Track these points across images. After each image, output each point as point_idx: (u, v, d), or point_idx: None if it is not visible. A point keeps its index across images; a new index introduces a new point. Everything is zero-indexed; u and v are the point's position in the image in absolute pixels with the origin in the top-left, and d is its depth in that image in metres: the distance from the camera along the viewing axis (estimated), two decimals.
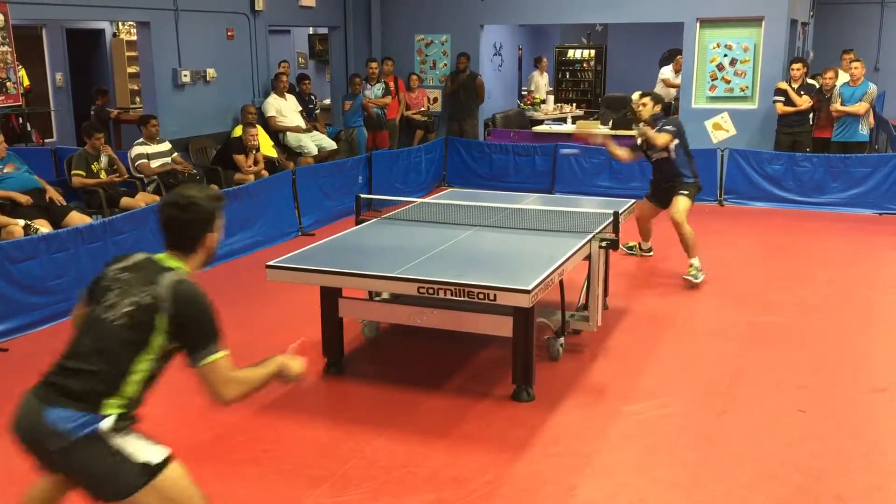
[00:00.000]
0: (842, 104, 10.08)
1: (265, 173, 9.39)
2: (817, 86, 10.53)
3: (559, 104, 15.50)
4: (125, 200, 8.06)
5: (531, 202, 6.81)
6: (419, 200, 6.90)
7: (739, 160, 10.46)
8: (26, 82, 11.74)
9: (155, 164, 8.67)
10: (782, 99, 10.42)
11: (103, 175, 8.15)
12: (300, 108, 11.08)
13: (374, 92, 11.82)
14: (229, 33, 10.73)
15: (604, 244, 5.53)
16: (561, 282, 5.11)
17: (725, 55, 11.43)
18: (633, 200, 6.73)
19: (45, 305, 6.17)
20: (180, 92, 10.10)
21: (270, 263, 5.02)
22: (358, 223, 6.05)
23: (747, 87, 11.40)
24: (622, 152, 7.44)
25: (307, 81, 11.87)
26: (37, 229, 6.84)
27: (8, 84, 8.53)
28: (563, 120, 13.25)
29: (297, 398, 5.00)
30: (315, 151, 10.83)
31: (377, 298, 5.71)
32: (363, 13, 13.12)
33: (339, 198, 9.62)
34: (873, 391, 5.06)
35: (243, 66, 11.00)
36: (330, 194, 9.61)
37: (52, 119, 13.22)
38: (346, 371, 5.34)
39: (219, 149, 9.95)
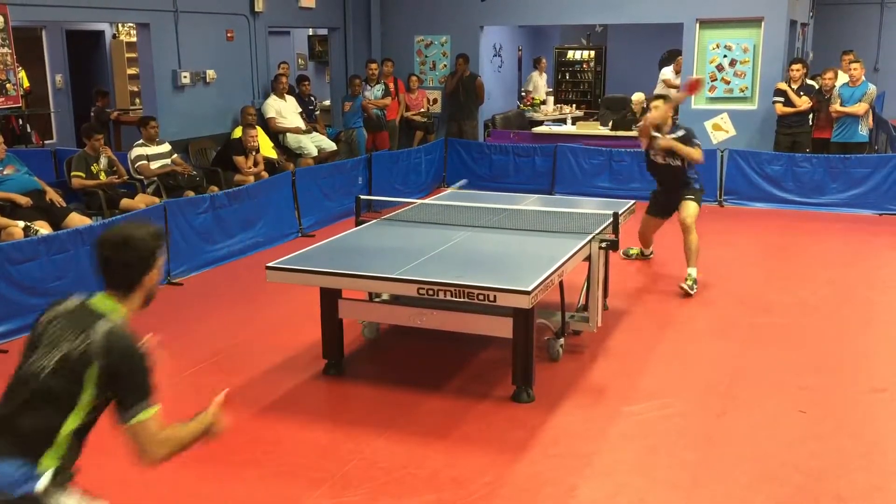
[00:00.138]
0: (841, 105, 10.09)
1: (265, 174, 9.39)
2: (817, 86, 10.53)
3: (559, 105, 15.51)
4: (125, 202, 8.06)
5: (531, 203, 6.81)
6: (419, 201, 6.90)
7: (739, 161, 10.46)
8: (26, 84, 11.74)
9: (155, 165, 8.67)
10: (782, 100, 10.42)
11: (103, 176, 8.15)
12: (300, 110, 11.08)
13: (373, 93, 11.82)
14: (229, 34, 10.73)
15: (604, 245, 5.53)
16: (561, 283, 5.11)
17: (725, 56, 11.43)
18: (633, 201, 6.72)
19: (45, 307, 6.15)
20: (180, 93, 10.11)
21: (270, 265, 5.03)
22: (358, 224, 6.05)
23: (747, 87, 11.40)
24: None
25: (307, 82, 11.87)
26: (37, 231, 6.84)
27: (8, 86, 8.53)
28: (563, 121, 13.25)
29: (297, 399, 5.01)
30: (315, 152, 10.83)
31: (377, 299, 5.71)
32: (363, 14, 13.12)
33: (338, 199, 9.62)
34: (873, 391, 5.06)
35: (243, 67, 11.00)
36: (330, 195, 9.61)
37: (52, 120, 13.23)
38: (345, 372, 5.34)
39: (218, 150, 9.95)
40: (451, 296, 4.50)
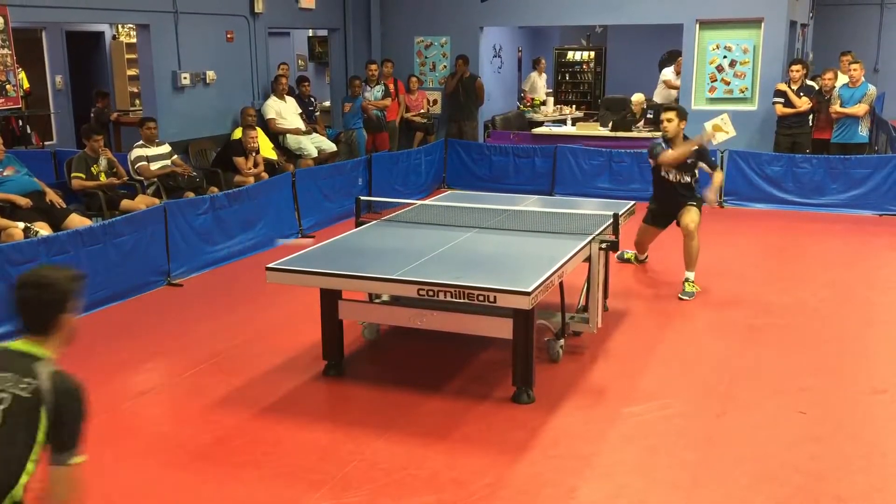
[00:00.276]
0: (841, 106, 10.09)
1: (265, 175, 9.39)
2: (817, 87, 10.53)
3: (559, 106, 15.50)
4: (125, 203, 8.06)
5: (531, 204, 6.81)
6: (419, 202, 6.90)
7: (739, 161, 10.46)
8: (26, 85, 11.74)
9: (154, 166, 8.67)
10: (782, 100, 10.43)
11: (103, 178, 8.14)
12: (300, 111, 11.08)
13: (373, 94, 11.82)
14: (229, 35, 10.73)
15: (604, 246, 5.53)
16: (561, 284, 5.11)
17: (725, 56, 11.44)
18: (633, 202, 6.72)
19: None
20: (180, 94, 10.11)
21: (270, 265, 5.03)
22: (358, 225, 6.06)
23: (747, 88, 11.41)
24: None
25: (307, 83, 11.87)
26: (36, 232, 6.83)
27: (8, 87, 8.53)
28: (563, 122, 13.25)
29: (297, 400, 5.01)
30: (315, 153, 10.83)
31: (377, 300, 5.71)
32: (363, 15, 13.13)
33: (338, 200, 9.62)
34: (873, 392, 5.06)
35: (243, 68, 11.00)
36: (330, 196, 9.61)
37: (52, 121, 13.23)
38: (346, 373, 5.34)
39: (218, 151, 9.95)
40: (451, 297, 4.50)
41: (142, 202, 8.10)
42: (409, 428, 4.60)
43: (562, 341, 5.51)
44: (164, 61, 9.87)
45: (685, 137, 7.00)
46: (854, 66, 10.21)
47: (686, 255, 6.95)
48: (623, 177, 10.73)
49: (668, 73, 12.98)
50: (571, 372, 5.35)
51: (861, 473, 4.11)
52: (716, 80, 11.53)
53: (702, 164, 7.03)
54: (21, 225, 6.86)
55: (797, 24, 12.43)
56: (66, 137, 13.16)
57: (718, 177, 7.17)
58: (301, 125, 10.92)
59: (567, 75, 18.17)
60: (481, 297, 4.44)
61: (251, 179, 9.17)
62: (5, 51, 8.39)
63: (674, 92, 12.38)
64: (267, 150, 10.05)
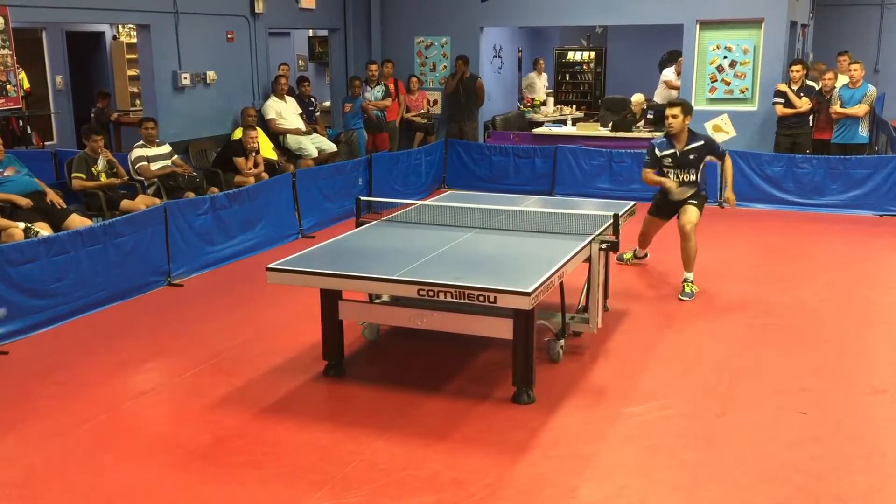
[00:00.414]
0: (841, 106, 10.09)
1: (265, 175, 9.39)
2: (817, 87, 10.54)
3: (559, 106, 15.51)
4: (125, 203, 8.06)
5: (531, 204, 6.81)
6: (419, 203, 6.90)
7: (739, 162, 10.44)
8: (26, 85, 11.75)
9: (155, 166, 8.67)
10: (782, 101, 10.43)
11: (103, 178, 8.15)
12: (300, 111, 11.09)
13: (373, 94, 11.83)
14: (229, 36, 10.74)
15: (604, 246, 5.53)
16: (561, 284, 5.11)
17: (725, 57, 11.45)
18: (633, 202, 6.72)
19: (45, 308, 6.18)
20: (180, 94, 10.11)
21: (270, 266, 5.03)
22: (358, 225, 6.06)
23: (747, 88, 11.41)
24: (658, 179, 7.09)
25: (307, 84, 11.88)
26: (37, 232, 6.84)
27: (8, 87, 8.54)
28: (563, 122, 13.25)
29: (297, 401, 5.01)
30: (315, 154, 10.84)
31: (377, 301, 5.71)
32: (363, 15, 13.13)
33: (339, 200, 9.63)
34: (873, 393, 5.06)
35: (243, 68, 11.01)
36: (330, 196, 9.61)
37: (53, 122, 13.23)
38: (346, 373, 5.34)
39: (219, 151, 9.96)
40: (452, 297, 4.50)
41: (142, 202, 8.11)
42: (409, 428, 4.60)
43: (562, 341, 5.51)
44: (165, 61, 9.88)
45: (690, 132, 6.97)
46: (854, 66, 10.21)
47: (683, 256, 6.94)
48: (623, 177, 10.73)
49: (668, 73, 12.99)
50: (572, 372, 5.35)
51: (861, 473, 4.11)
52: (716, 81, 11.54)
53: (710, 158, 7.02)
54: (21, 225, 6.87)
55: (797, 24, 12.43)
56: (66, 138, 13.16)
57: (728, 168, 7.13)
58: (301, 125, 10.92)
59: (567, 76, 18.18)
60: (481, 298, 4.44)
61: (251, 180, 9.17)
62: (6, 51, 8.40)
63: (674, 92, 12.39)
64: (267, 150, 10.06)
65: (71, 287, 6.38)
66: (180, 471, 4.17)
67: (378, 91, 11.87)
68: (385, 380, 5.32)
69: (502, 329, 4.84)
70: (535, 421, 4.66)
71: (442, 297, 4.52)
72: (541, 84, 14.99)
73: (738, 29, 11.41)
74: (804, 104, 10.32)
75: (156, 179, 8.66)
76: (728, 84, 11.48)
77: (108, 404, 4.92)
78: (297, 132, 10.81)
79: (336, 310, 5.23)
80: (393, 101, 12.11)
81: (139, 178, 8.63)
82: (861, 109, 10.01)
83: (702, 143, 6.94)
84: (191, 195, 8.40)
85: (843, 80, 10.57)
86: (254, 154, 9.51)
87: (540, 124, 13.35)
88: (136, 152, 8.69)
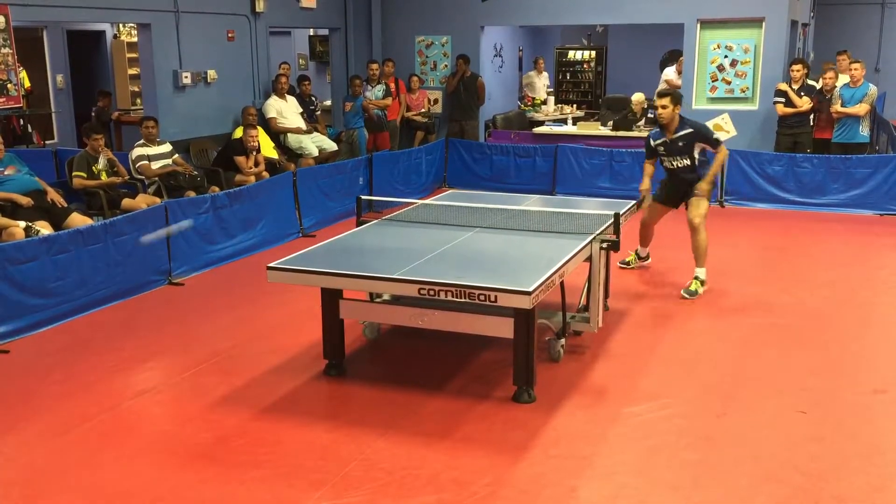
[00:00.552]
0: (842, 105, 10.09)
1: (266, 174, 9.39)
2: (818, 87, 10.53)
3: (559, 105, 15.50)
4: (126, 202, 8.07)
5: (532, 203, 6.81)
6: (420, 202, 6.90)
7: (740, 161, 10.46)
8: (27, 84, 11.75)
9: (156, 165, 8.67)
10: (783, 100, 10.43)
11: (104, 177, 8.15)
12: (301, 110, 11.09)
13: (374, 93, 11.82)
14: (230, 35, 10.74)
15: (605, 245, 5.53)
16: (562, 283, 5.11)
17: (726, 56, 11.44)
18: (633, 202, 6.73)
19: (46, 307, 6.18)
20: (181, 93, 10.11)
21: (271, 265, 5.03)
22: (359, 224, 6.06)
23: (748, 88, 11.41)
24: (647, 179, 7.14)
25: (307, 83, 11.88)
26: (38, 231, 6.84)
27: (9, 86, 8.54)
28: (564, 121, 13.25)
29: (298, 400, 5.01)
30: (316, 153, 10.84)
31: (378, 300, 5.71)
32: (364, 15, 13.13)
33: (339, 199, 9.63)
34: (874, 392, 5.06)
35: (244, 67, 11.01)
36: (331, 195, 9.61)
37: (53, 121, 13.24)
38: (346, 373, 5.34)
39: (219, 150, 9.96)
40: (452, 296, 4.50)
41: (143, 201, 8.11)
42: (409, 427, 4.60)
43: (563, 341, 5.51)
44: (166, 60, 9.88)
45: (681, 120, 6.94)
46: (855, 65, 10.20)
47: (694, 250, 6.89)
48: (624, 176, 10.73)
49: (669, 72, 12.98)
50: (572, 371, 5.35)
51: (861, 473, 4.11)
52: (717, 80, 11.53)
53: (704, 146, 6.93)
54: (22, 224, 6.87)
55: (798, 23, 12.42)
56: (67, 136, 13.17)
57: (719, 158, 6.90)
58: (302, 124, 10.92)
59: (568, 75, 18.18)
60: (482, 297, 4.44)
61: (252, 179, 9.17)
62: (6, 50, 8.40)
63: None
64: (268, 149, 10.06)
65: (72, 286, 6.38)
66: (181, 470, 4.18)
67: (379, 90, 11.86)
68: (386, 379, 5.32)
69: (503, 328, 4.84)
70: (535, 420, 4.66)
71: (443, 296, 4.52)
72: (541, 83, 14.98)
73: (738, 28, 11.40)
74: (805, 103, 10.32)
75: (156, 178, 8.65)
76: (729, 83, 11.48)
77: (108, 403, 4.92)
78: (297, 131, 10.81)
79: (337, 309, 5.23)
80: (394, 100, 12.10)
81: (140, 176, 8.63)
82: (862, 109, 10.01)
83: (690, 130, 6.90)
84: (191, 194, 8.40)
85: (843, 79, 10.57)
86: (254, 153, 9.51)
87: (541, 123, 13.34)
88: (137, 151, 8.69)
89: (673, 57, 13.62)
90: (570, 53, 18.23)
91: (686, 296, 6.79)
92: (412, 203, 6.83)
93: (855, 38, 16.15)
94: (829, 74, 10.48)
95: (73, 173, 8.04)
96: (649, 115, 11.86)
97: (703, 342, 5.96)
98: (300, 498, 3.90)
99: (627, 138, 11.53)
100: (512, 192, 9.14)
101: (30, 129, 11.30)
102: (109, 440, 4.50)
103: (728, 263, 7.82)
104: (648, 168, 7.21)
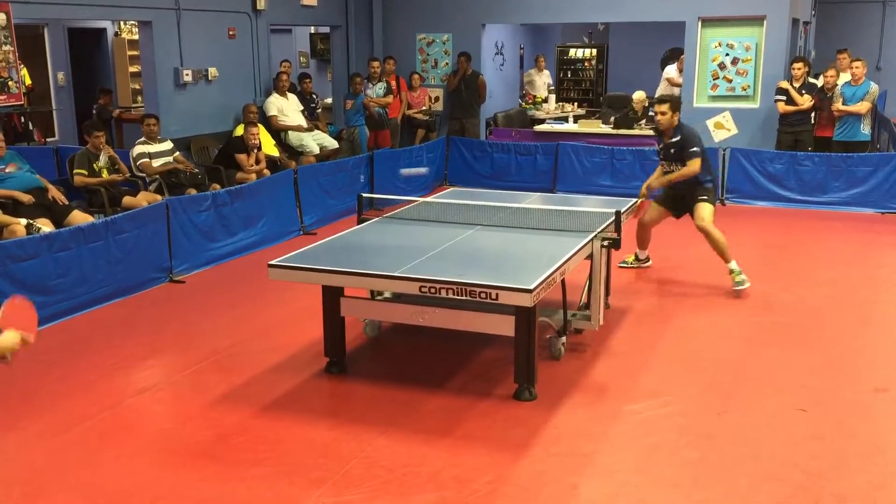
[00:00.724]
0: (843, 103, 10.08)
1: (267, 172, 9.39)
2: (819, 85, 10.52)
3: (560, 103, 15.49)
4: (127, 199, 8.06)
5: (533, 201, 6.81)
6: (421, 199, 6.90)
7: (741, 159, 10.45)
8: (28, 81, 11.75)
9: (157, 163, 8.67)
10: (784, 98, 10.42)
11: (105, 174, 8.15)
12: (302, 108, 11.08)
13: (375, 91, 11.82)
14: (231, 32, 10.73)
15: (606, 243, 5.53)
16: (563, 281, 5.11)
17: (727, 54, 11.42)
18: (634, 199, 6.72)
19: (47, 305, 6.17)
20: (182, 91, 10.11)
21: (272, 262, 5.02)
22: (360, 222, 6.05)
23: (749, 86, 11.39)
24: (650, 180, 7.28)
25: (308, 80, 11.88)
26: (39, 228, 6.84)
27: (10, 83, 8.54)
28: (565, 119, 13.24)
29: (299, 398, 5.01)
30: (317, 150, 10.84)
31: (379, 297, 5.71)
32: (365, 12, 13.12)
33: (340, 197, 9.63)
34: (875, 391, 5.06)
35: (245, 65, 11.00)
36: (332, 193, 9.61)
37: (54, 118, 13.24)
38: (347, 371, 5.34)
39: (220, 148, 9.95)
40: (453, 294, 4.50)
41: (144, 199, 8.10)
42: (410, 425, 4.60)
43: (563, 339, 5.51)
44: (167, 58, 9.87)
45: (679, 126, 6.98)
46: (856, 63, 10.19)
47: (715, 250, 6.93)
48: (625, 174, 10.73)
49: (671, 70, 12.97)
50: (573, 369, 5.35)
51: (862, 472, 4.11)
52: (718, 78, 11.52)
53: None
54: (23, 221, 6.87)
55: (799, 21, 12.40)
56: (67, 134, 13.17)
57: (686, 169, 6.89)
58: (303, 122, 10.92)
59: (569, 73, 18.16)
60: (483, 295, 4.44)
61: (253, 176, 9.17)
62: (7, 47, 8.39)
63: (677, 90, 12.36)
64: (269, 146, 10.05)
65: (72, 283, 6.38)
66: (181, 468, 4.18)
67: (380, 88, 11.85)
68: (386, 377, 5.32)
69: (504, 326, 4.84)
70: (536, 418, 4.66)
71: (444, 293, 4.52)
72: (541, 81, 14.96)
73: (740, 26, 11.39)
74: (806, 102, 10.31)
75: (157, 176, 8.65)
76: (730, 81, 11.47)
77: (109, 401, 4.92)
78: (298, 129, 10.80)
79: (338, 306, 5.23)
80: (395, 97, 12.10)
81: (141, 174, 8.63)
82: (863, 107, 10.00)
83: (679, 137, 6.95)
84: (192, 192, 8.40)
85: (844, 77, 10.56)
86: (255, 151, 9.50)
87: (542, 121, 13.33)
88: (138, 149, 8.69)
89: (674, 55, 13.60)
90: (572, 51, 18.21)
91: (738, 288, 6.78)
92: (413, 201, 6.83)
93: (856, 37, 16.11)
94: (830, 72, 10.48)
95: (74, 171, 8.04)
96: (650, 114, 11.85)
97: (704, 340, 5.95)
98: (301, 496, 3.90)
99: (628, 136, 11.53)
100: (513, 189, 9.12)
101: (31, 127, 11.32)
102: (110, 438, 4.50)
103: None
104: (658, 170, 7.29)
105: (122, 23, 13.93)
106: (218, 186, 8.80)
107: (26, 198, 7.23)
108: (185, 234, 7.54)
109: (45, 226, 6.97)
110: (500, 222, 6.03)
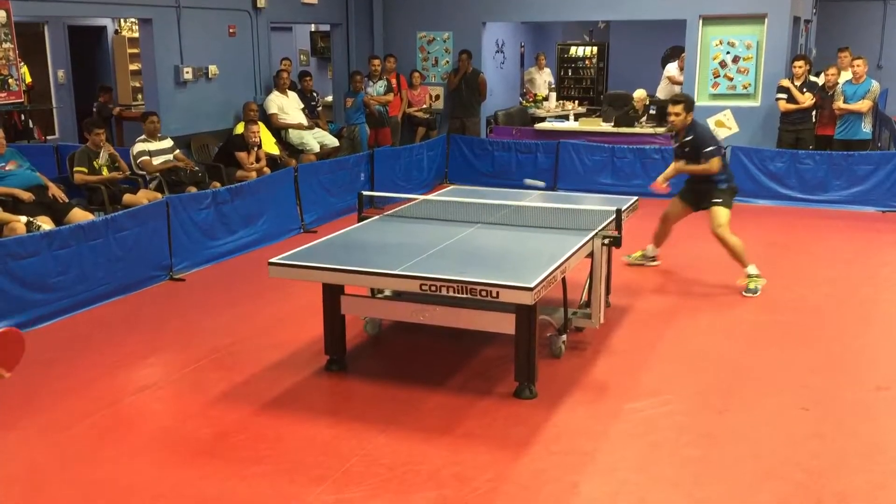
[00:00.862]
0: (844, 102, 10.07)
1: (267, 170, 9.38)
2: (820, 83, 10.51)
3: (561, 101, 15.47)
4: (127, 197, 8.06)
5: (533, 199, 6.80)
6: (421, 197, 6.90)
7: (742, 158, 10.44)
8: (28, 79, 11.74)
9: (157, 161, 8.66)
10: (785, 96, 10.41)
11: (105, 172, 8.14)
12: (302, 106, 11.08)
13: (376, 89, 11.81)
14: (231, 30, 10.72)
15: (606, 242, 5.52)
16: (563, 279, 5.10)
17: (728, 52, 11.42)
18: (635, 198, 6.72)
19: (47, 302, 6.18)
20: (182, 89, 10.10)
21: (273, 260, 5.02)
22: (360, 220, 6.05)
23: (750, 84, 11.38)
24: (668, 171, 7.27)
25: (309, 78, 11.87)
26: (39, 226, 6.83)
27: (10, 81, 8.53)
28: (565, 117, 13.23)
29: (299, 396, 5.01)
30: (317, 148, 10.83)
31: (379, 295, 5.71)
32: (365, 10, 13.11)
33: (341, 195, 9.62)
34: (876, 389, 5.05)
35: (245, 63, 11.00)
36: (332, 191, 9.61)
37: (55, 116, 13.22)
38: (348, 369, 5.34)
39: (221, 146, 9.94)
40: (454, 292, 4.49)
41: (144, 197, 8.10)
42: (411, 423, 4.60)
43: (564, 337, 5.51)
44: (167, 56, 9.86)
45: (692, 124, 6.96)
46: (857, 61, 10.18)
47: (731, 256, 6.90)
48: (625, 173, 10.72)
49: (671, 68, 12.97)
50: (574, 368, 5.34)
51: (863, 471, 4.10)
52: (719, 76, 11.51)
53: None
54: (23, 219, 6.87)
55: (800, 19, 12.39)
56: (68, 132, 13.15)
57: (701, 166, 6.88)
58: (303, 120, 10.91)
59: (570, 71, 18.13)
60: (484, 293, 4.43)
61: (253, 174, 9.16)
62: (8, 45, 8.39)
63: (677, 88, 12.36)
64: (269, 144, 10.05)
65: (73, 281, 6.38)
66: (182, 466, 4.17)
67: (380, 86, 11.84)
68: (387, 375, 5.32)
69: (504, 324, 4.84)
70: (536, 416, 4.65)
71: (444, 291, 4.52)
72: (541, 80, 14.96)
73: (741, 24, 11.38)
74: (807, 100, 10.30)
75: (158, 174, 8.65)
76: (731, 80, 11.46)
77: (109, 399, 4.92)
78: (299, 127, 10.80)
79: (338, 304, 5.23)
80: (395, 96, 12.09)
81: (141, 172, 8.63)
82: (864, 105, 9.99)
83: (692, 137, 6.92)
84: (193, 190, 8.40)
85: (845, 75, 10.55)
86: (256, 149, 9.50)
87: (542, 119, 13.32)
88: (138, 146, 8.68)
89: (675, 53, 13.59)
90: (572, 50, 18.19)
91: (751, 294, 6.75)
92: (414, 199, 6.82)
93: (857, 35, 16.08)
94: (832, 71, 10.46)
95: (75, 168, 8.04)
96: (651, 112, 11.85)
97: (705, 339, 5.95)
98: (301, 493, 3.90)
99: (629, 135, 11.52)
100: (513, 188, 9.11)
101: (31, 125, 11.30)
102: (110, 436, 4.50)
103: (729, 260, 7.79)
104: (672, 166, 7.29)
105: (122, 20, 13.92)
106: (218, 184, 8.80)
107: (26, 195, 7.23)
108: (186, 232, 7.53)
109: (46, 223, 6.97)
110: (500, 220, 6.02)
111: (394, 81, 12.14)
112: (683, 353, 5.65)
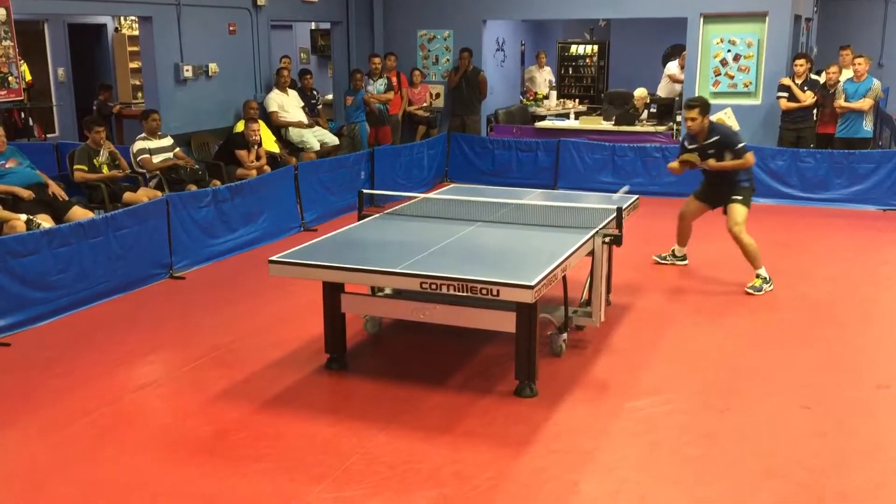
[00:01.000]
0: (845, 100, 10.06)
1: (267, 168, 9.37)
2: (821, 81, 10.50)
3: (561, 100, 15.46)
4: (127, 195, 8.05)
5: (534, 198, 6.79)
6: (421, 196, 6.89)
7: None
8: (28, 77, 11.73)
9: (157, 159, 8.66)
10: (786, 95, 10.39)
11: (105, 170, 8.14)
12: (302, 104, 11.07)
13: (376, 87, 11.80)
14: (231, 28, 10.71)
15: (607, 240, 5.52)
16: (564, 278, 5.10)
17: (729, 50, 11.40)
18: (636, 196, 6.71)
19: (47, 300, 6.17)
20: (182, 87, 10.09)
21: (273, 258, 5.02)
22: (360, 218, 6.05)
23: (751, 82, 11.37)
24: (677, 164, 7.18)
25: (309, 76, 11.85)
26: (39, 224, 6.83)
27: (10, 79, 8.52)
28: (566, 116, 13.22)
29: (299, 394, 5.01)
30: (317, 147, 10.82)
31: (380, 294, 5.70)
32: (365, 8, 13.10)
33: (341, 193, 9.62)
34: (877, 388, 5.05)
35: (245, 61, 10.98)
36: (332, 189, 9.60)
37: (54, 114, 13.21)
38: (348, 367, 5.33)
39: (221, 144, 9.94)
40: (454, 290, 4.49)
41: (144, 195, 8.09)
42: (411, 422, 4.59)
43: (565, 335, 5.50)
44: (167, 54, 9.85)
45: (711, 126, 6.93)
46: (859, 60, 10.17)
47: (745, 256, 6.88)
48: (626, 171, 10.71)
49: (672, 66, 12.95)
50: (574, 366, 5.34)
51: (864, 469, 4.10)
52: (720, 74, 11.49)
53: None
54: (23, 217, 6.86)
55: (801, 18, 12.38)
56: (68, 130, 13.14)
57: (737, 161, 6.88)
58: (303, 118, 10.90)
59: (570, 69, 18.11)
60: (484, 291, 4.43)
61: (254, 172, 9.16)
62: (8, 43, 8.38)
63: (678, 86, 12.35)
64: (269, 143, 10.04)
65: (73, 279, 6.38)
66: (182, 464, 4.17)
67: (381, 84, 11.84)
68: (387, 373, 5.32)
69: (505, 322, 4.83)
70: (537, 415, 4.65)
71: (444, 290, 4.51)
72: (542, 78, 14.95)
73: (742, 22, 11.36)
74: (808, 98, 10.29)
75: (158, 172, 8.64)
76: (732, 78, 11.44)
77: (109, 397, 4.91)
78: (299, 125, 10.79)
79: (338, 303, 5.22)
80: (395, 94, 12.08)
81: (141, 170, 8.62)
82: (865, 104, 9.98)
83: (717, 137, 6.89)
84: (193, 188, 8.39)
85: (846, 74, 10.54)
86: (256, 147, 9.49)
87: (543, 118, 13.31)
88: (138, 144, 8.67)
89: (675, 51, 13.56)
90: (573, 48, 18.17)
91: (752, 291, 6.75)
92: (414, 197, 6.82)
93: (858, 33, 16.07)
94: (833, 69, 10.45)
95: (75, 166, 8.03)
96: (651, 110, 11.83)
97: (705, 337, 5.94)
98: (301, 491, 3.89)
99: (629, 133, 11.51)
100: (514, 186, 9.11)
101: (31, 123, 11.29)
102: (110, 434, 4.49)
103: (730, 258, 7.77)
104: (689, 157, 7.15)
105: (122, 18, 13.91)
106: (218, 182, 8.78)
107: (26, 193, 7.22)
108: (186, 231, 7.53)
109: (46, 221, 6.97)
110: (501, 219, 6.02)
111: (394, 80, 12.13)
112: (684, 352, 5.65)
